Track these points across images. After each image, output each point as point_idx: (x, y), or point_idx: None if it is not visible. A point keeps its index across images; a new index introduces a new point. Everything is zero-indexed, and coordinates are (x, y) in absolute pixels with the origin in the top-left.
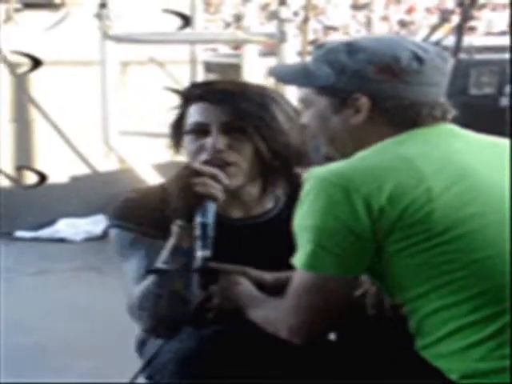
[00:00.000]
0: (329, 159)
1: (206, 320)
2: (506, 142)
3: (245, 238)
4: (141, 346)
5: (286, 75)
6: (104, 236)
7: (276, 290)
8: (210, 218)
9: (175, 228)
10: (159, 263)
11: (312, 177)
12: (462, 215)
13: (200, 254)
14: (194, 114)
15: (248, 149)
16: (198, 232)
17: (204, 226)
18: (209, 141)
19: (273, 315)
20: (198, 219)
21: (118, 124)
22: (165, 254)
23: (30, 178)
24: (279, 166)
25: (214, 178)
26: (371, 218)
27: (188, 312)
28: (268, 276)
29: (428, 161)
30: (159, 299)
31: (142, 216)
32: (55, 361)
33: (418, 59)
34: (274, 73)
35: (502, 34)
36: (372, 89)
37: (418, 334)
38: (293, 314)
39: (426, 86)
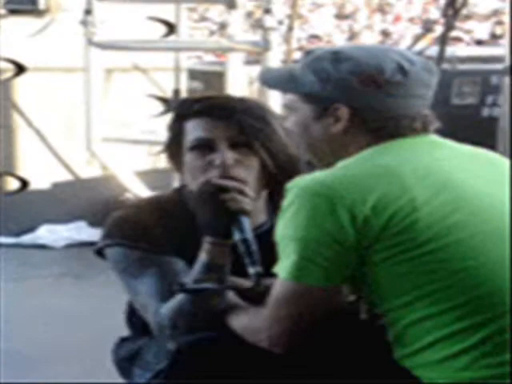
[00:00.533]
0: (310, 165)
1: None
2: (489, 152)
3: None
4: (132, 359)
5: (271, 79)
6: (86, 243)
7: (256, 297)
8: (249, 232)
9: (206, 245)
10: (189, 281)
11: (295, 186)
12: (446, 225)
13: (252, 270)
14: (197, 130)
15: (255, 163)
16: (241, 249)
17: (245, 241)
18: (217, 157)
19: (253, 325)
20: (237, 236)
21: (101, 131)
22: (196, 271)
23: (12, 184)
24: (282, 178)
25: (240, 192)
26: (356, 228)
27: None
28: (247, 283)
29: (411, 171)
30: (196, 317)
31: (145, 233)
32: (35, 368)
33: (403, 71)
34: (261, 77)
35: (480, 43)
36: (354, 99)
37: (398, 343)
38: (274, 323)
39: (408, 99)
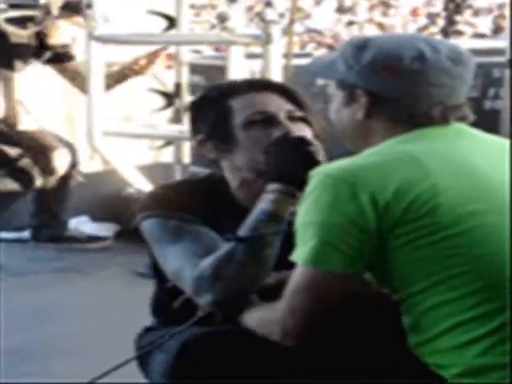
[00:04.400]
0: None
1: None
2: None
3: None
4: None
5: (315, 67)
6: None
7: (277, 291)
8: None
9: (273, 195)
10: (245, 230)
11: (318, 174)
12: (467, 210)
13: None
14: (252, 105)
15: (309, 136)
16: None
17: None
18: (279, 129)
19: (266, 317)
20: None
21: (102, 125)
22: (254, 219)
23: None
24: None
25: (320, 149)
26: (377, 214)
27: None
28: (270, 279)
29: (433, 158)
30: (245, 267)
31: (179, 206)
32: (36, 363)
33: (422, 59)
34: (308, 65)
35: (482, 36)
36: (373, 86)
37: (413, 330)
38: (288, 313)
39: (427, 87)
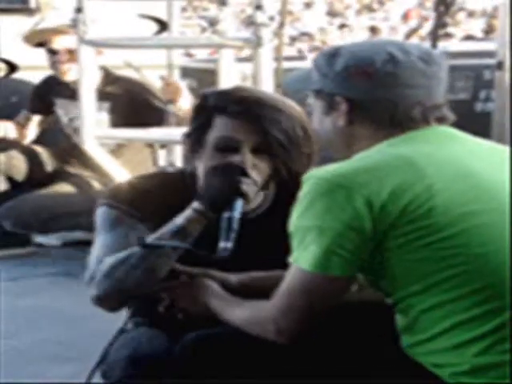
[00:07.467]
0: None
1: (176, 323)
2: (501, 146)
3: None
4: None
5: (292, 80)
6: (81, 242)
7: (240, 292)
8: (238, 214)
9: (189, 212)
10: (152, 239)
11: (312, 177)
12: (464, 211)
13: (222, 244)
14: (225, 128)
15: (268, 168)
16: (223, 225)
17: (230, 220)
18: (237, 158)
19: (258, 316)
20: (226, 214)
21: (94, 129)
22: (164, 231)
23: None
24: (293, 182)
25: (254, 181)
26: (372, 216)
27: (148, 290)
28: (233, 278)
29: (428, 160)
30: (134, 270)
31: (132, 198)
32: (32, 366)
33: (394, 62)
34: (289, 78)
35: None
36: (349, 92)
37: (408, 331)
38: (286, 311)
39: (402, 88)
